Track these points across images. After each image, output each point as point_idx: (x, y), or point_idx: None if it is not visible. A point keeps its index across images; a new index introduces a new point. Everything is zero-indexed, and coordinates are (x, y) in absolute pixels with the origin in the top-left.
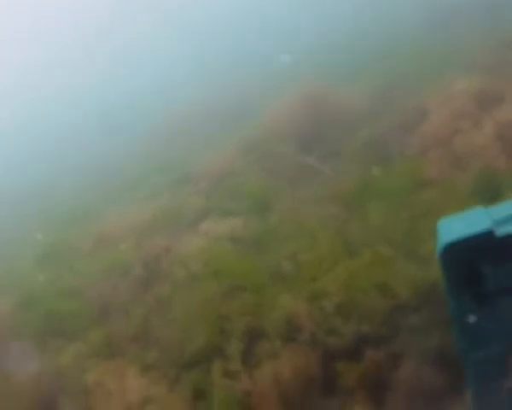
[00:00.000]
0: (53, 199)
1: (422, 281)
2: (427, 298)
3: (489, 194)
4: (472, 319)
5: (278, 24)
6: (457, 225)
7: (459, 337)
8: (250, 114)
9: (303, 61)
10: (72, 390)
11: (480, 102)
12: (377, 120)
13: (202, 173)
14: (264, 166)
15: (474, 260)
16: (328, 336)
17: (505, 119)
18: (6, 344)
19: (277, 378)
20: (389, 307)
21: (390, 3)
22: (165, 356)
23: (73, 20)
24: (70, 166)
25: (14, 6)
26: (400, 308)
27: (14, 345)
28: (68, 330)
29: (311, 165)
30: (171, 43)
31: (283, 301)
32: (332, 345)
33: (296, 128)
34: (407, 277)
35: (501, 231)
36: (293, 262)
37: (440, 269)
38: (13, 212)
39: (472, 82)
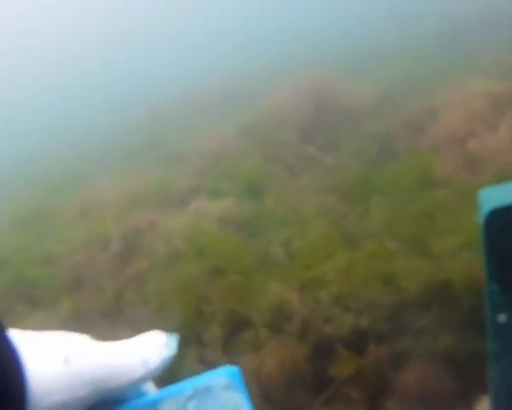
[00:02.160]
0: (43, 166)
1: (432, 277)
2: (437, 296)
3: None
4: (503, 318)
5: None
6: (503, 194)
7: (491, 336)
8: (249, 100)
9: (309, 51)
10: None
11: (495, 104)
12: (384, 117)
13: (196, 153)
14: (261, 151)
15: None
16: (323, 324)
17: None
18: None
19: (260, 371)
20: (394, 302)
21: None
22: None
23: None
24: (67, 138)
25: None
26: (406, 304)
27: None
28: (37, 297)
29: (312, 155)
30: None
31: (273, 287)
32: (326, 336)
33: (297, 117)
34: (415, 272)
35: None
36: (285, 249)
37: (482, 242)
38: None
39: (487, 85)
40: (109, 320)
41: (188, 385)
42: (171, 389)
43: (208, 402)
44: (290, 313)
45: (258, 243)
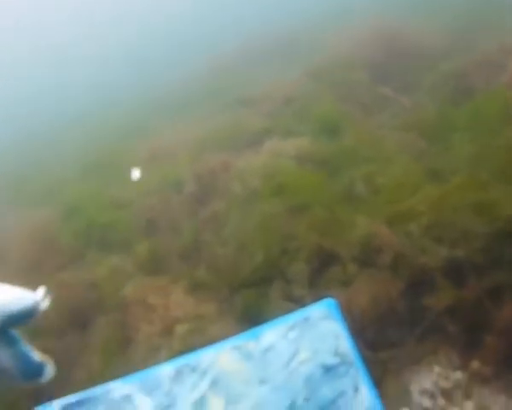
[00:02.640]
0: (107, 114)
1: None
2: None
3: None
4: None
5: None
6: None
7: None
8: (317, 44)
9: None
10: (109, 304)
11: None
12: (458, 56)
13: (265, 96)
14: (334, 92)
15: None
16: (417, 256)
17: None
18: (43, 252)
19: (351, 306)
20: (490, 233)
21: None
22: (217, 276)
23: None
24: (128, 84)
25: None
26: (501, 235)
27: (51, 254)
28: (111, 242)
29: (386, 95)
30: None
31: (360, 221)
32: (421, 268)
33: (368, 59)
34: (508, 201)
35: None
36: (367, 185)
37: None
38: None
39: None
40: (187, 261)
41: (289, 317)
42: (274, 321)
43: (308, 331)
44: (380, 247)
45: (340, 181)
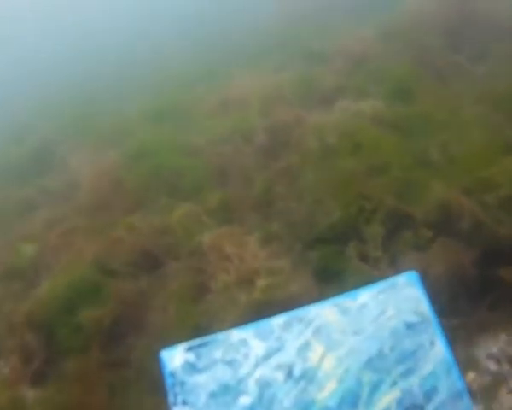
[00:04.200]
0: (180, 64)
1: None
2: None
3: None
4: None
5: None
6: None
7: None
8: (387, 4)
9: None
10: (183, 250)
11: None
12: None
13: (337, 53)
14: (407, 55)
15: None
16: (493, 228)
17: None
18: (112, 194)
19: (424, 273)
20: None
21: None
22: (291, 230)
23: None
24: (204, 39)
25: None
26: None
27: (119, 196)
28: (181, 188)
29: (461, 62)
30: None
31: (435, 187)
32: (499, 238)
33: (443, 24)
34: None
35: None
36: (444, 151)
37: None
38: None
39: None
40: (260, 213)
41: (380, 284)
42: (367, 286)
43: (394, 295)
44: (457, 214)
45: (416, 145)
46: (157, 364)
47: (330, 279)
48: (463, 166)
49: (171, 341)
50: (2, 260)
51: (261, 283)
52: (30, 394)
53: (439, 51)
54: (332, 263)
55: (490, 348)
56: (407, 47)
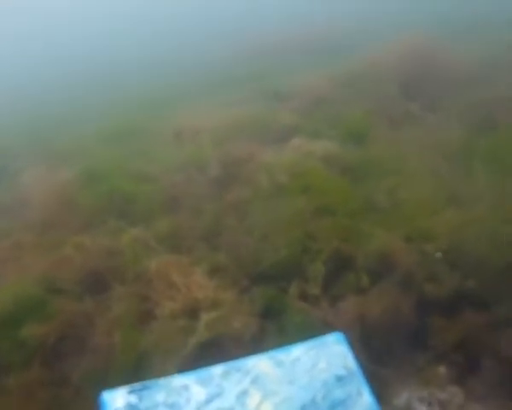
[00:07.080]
0: (137, 89)
1: None
2: None
3: None
4: None
5: None
6: None
7: None
8: (349, 52)
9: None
10: (130, 274)
11: None
12: (486, 87)
13: (295, 93)
14: (363, 100)
15: None
16: (426, 282)
17: None
18: (62, 213)
19: (362, 316)
20: (507, 267)
21: None
22: (237, 263)
23: None
24: (160, 61)
25: None
26: None
27: (69, 216)
28: (132, 212)
29: (414, 111)
30: None
31: (378, 233)
32: (428, 293)
33: (400, 74)
34: None
35: None
36: (390, 198)
37: None
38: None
39: None
40: (208, 243)
41: (310, 342)
42: (300, 343)
43: (324, 351)
44: (395, 263)
45: (363, 189)
46: (97, 387)
47: (272, 317)
48: (407, 214)
49: (114, 367)
50: None
51: (205, 317)
52: None
53: (394, 99)
54: (274, 300)
55: (421, 391)
56: (364, 93)
